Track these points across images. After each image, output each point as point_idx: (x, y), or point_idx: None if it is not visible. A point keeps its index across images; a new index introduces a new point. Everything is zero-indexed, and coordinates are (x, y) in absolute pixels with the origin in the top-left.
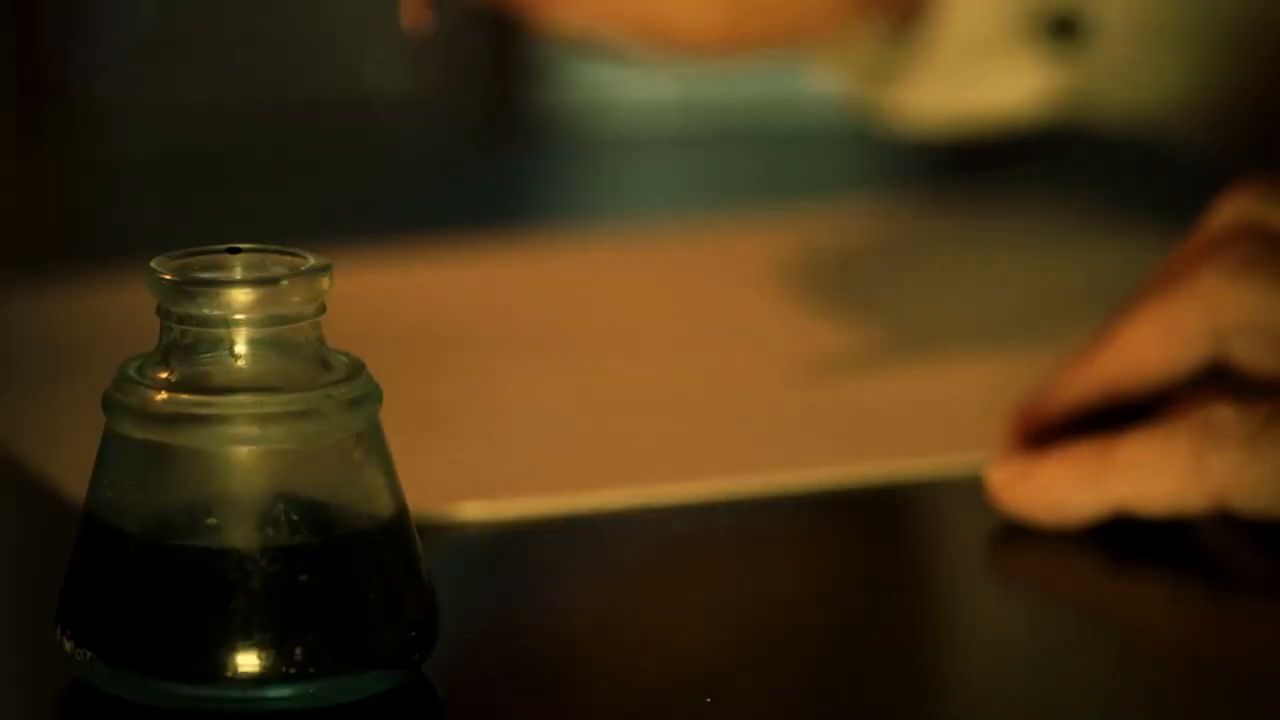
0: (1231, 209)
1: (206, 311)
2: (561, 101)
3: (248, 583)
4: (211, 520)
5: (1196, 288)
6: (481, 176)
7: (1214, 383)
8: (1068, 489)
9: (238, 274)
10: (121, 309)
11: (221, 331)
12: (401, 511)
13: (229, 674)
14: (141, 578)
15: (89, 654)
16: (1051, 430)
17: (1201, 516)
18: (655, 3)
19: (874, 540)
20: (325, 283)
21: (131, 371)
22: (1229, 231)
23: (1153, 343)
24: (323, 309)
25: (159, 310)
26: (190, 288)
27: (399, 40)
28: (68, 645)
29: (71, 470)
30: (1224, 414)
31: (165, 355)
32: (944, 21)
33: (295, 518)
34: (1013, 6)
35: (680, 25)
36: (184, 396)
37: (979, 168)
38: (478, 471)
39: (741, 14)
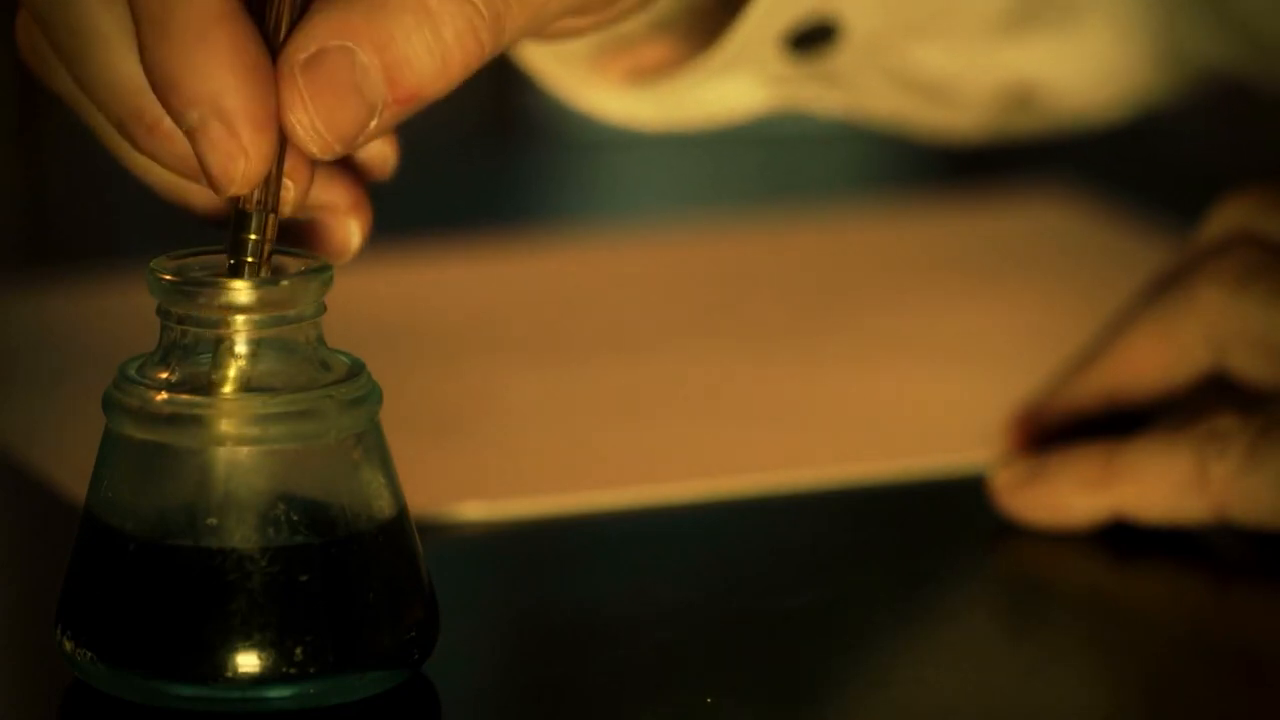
0: (1226, 217)
1: (207, 312)
2: (562, 101)
3: (248, 583)
4: (211, 520)
5: (1194, 298)
6: (481, 176)
7: (1220, 391)
8: (1070, 493)
9: None
10: (121, 309)
11: (222, 331)
12: (402, 511)
13: (229, 674)
14: (141, 578)
15: (89, 654)
16: (1052, 435)
17: (1202, 526)
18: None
19: (874, 540)
20: (325, 283)
21: (132, 371)
22: (1224, 240)
23: (1151, 353)
24: (323, 309)
25: (159, 310)
26: (190, 288)
27: None
28: (67, 645)
29: (71, 470)
30: (1228, 423)
31: (165, 355)
32: (721, 43)
33: (295, 518)
34: (774, 24)
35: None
36: (184, 397)
37: (981, 168)
38: (478, 471)
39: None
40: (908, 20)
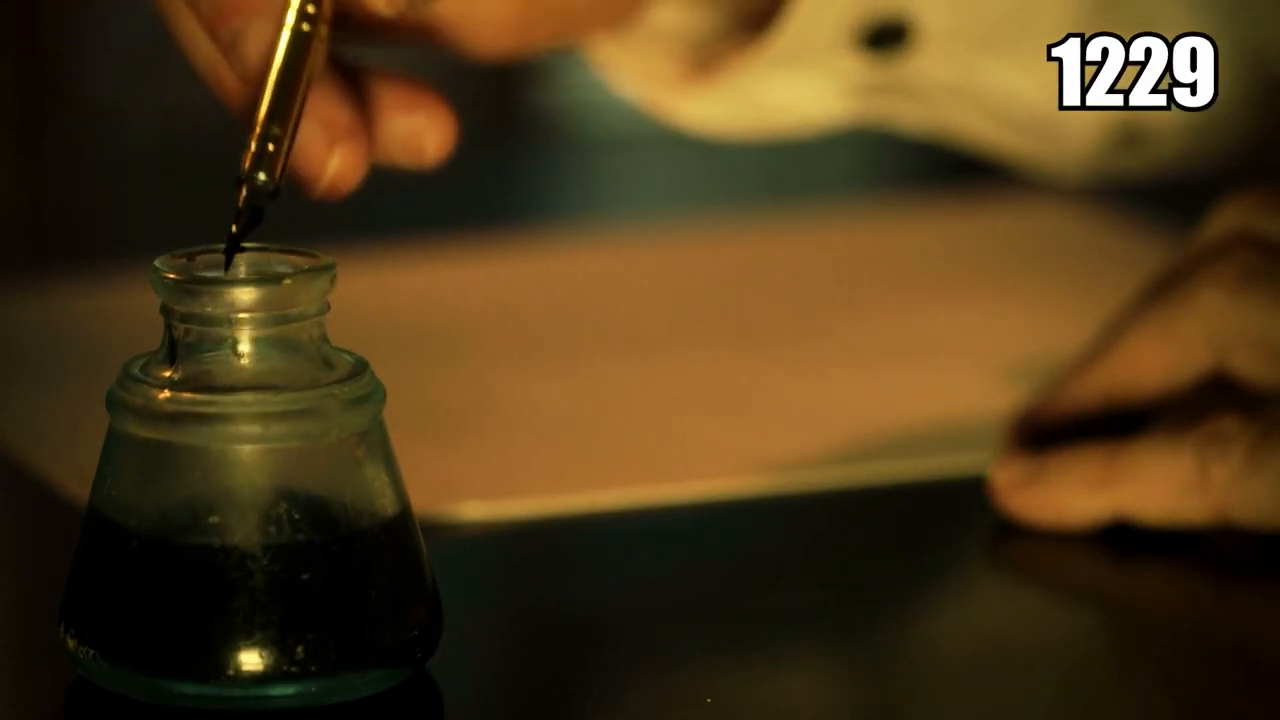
0: (1227, 218)
1: (210, 310)
2: (561, 101)
3: (250, 581)
4: (214, 518)
5: (1195, 300)
6: (481, 176)
7: (1222, 393)
8: (1071, 493)
9: (241, 273)
10: (123, 309)
11: (225, 330)
12: (404, 510)
13: (231, 672)
14: (144, 576)
15: (92, 652)
16: (1052, 435)
17: (1203, 527)
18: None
19: (874, 540)
20: (329, 282)
21: (135, 370)
22: (1225, 241)
23: (1152, 354)
24: (326, 308)
25: (162, 309)
26: (194, 286)
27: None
28: (71, 643)
29: (74, 470)
30: (1230, 425)
31: (169, 354)
32: (777, 27)
33: (298, 516)
34: (838, 15)
35: (469, 26)
36: (187, 395)
37: (981, 168)
38: (478, 471)
39: (534, 11)
40: (981, 21)
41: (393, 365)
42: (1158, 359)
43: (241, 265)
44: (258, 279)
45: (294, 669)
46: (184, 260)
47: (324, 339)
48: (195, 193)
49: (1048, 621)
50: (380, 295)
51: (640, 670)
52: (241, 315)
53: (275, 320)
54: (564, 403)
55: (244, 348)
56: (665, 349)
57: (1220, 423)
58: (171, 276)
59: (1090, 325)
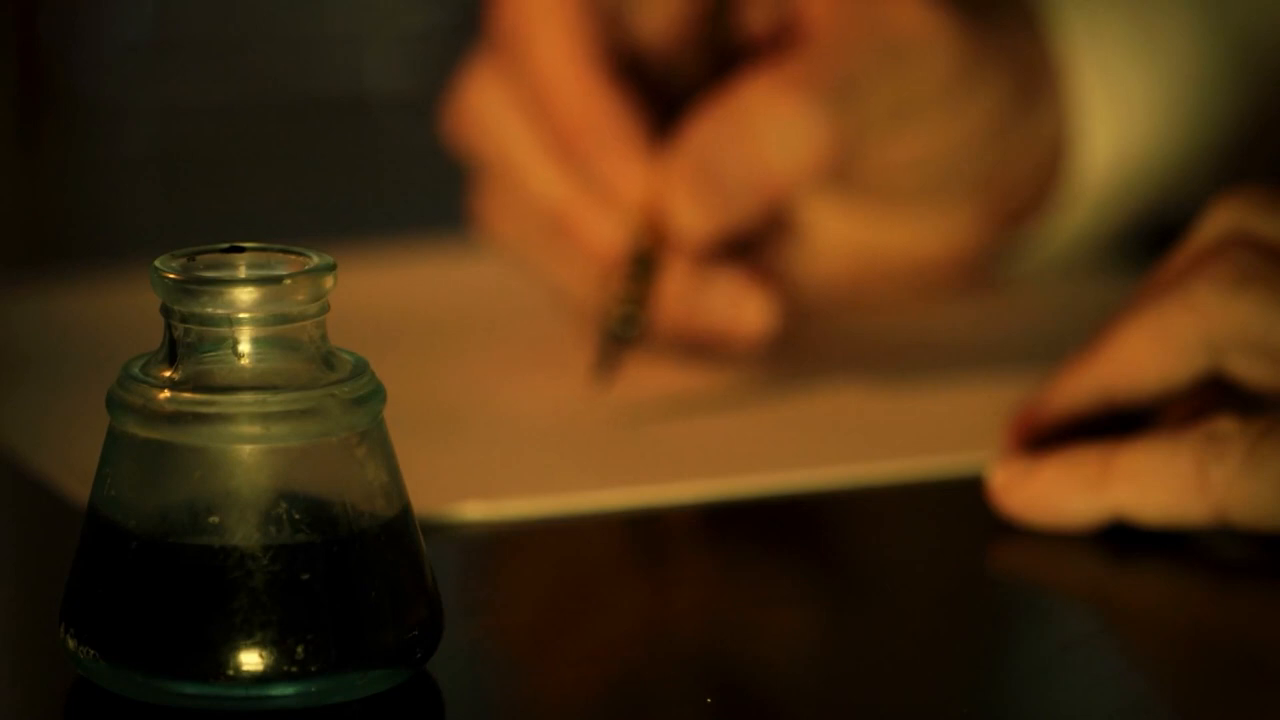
0: (1221, 218)
1: (210, 310)
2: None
3: (250, 581)
4: (214, 518)
5: (1191, 300)
6: None
7: (1220, 393)
8: (1068, 493)
9: (241, 273)
10: (123, 309)
11: (225, 330)
12: (405, 510)
13: (231, 672)
14: (144, 576)
15: (92, 652)
16: (1048, 435)
17: (1201, 528)
18: (786, 262)
19: (874, 540)
20: (329, 281)
21: (135, 370)
22: (1221, 241)
23: (1148, 354)
24: (326, 307)
25: (163, 309)
26: (194, 286)
27: (398, 40)
28: (71, 643)
29: (74, 469)
30: (1228, 426)
31: (169, 354)
32: (1049, 231)
33: (298, 516)
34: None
35: (806, 284)
36: (187, 395)
37: None
38: (478, 471)
39: (868, 273)
40: None
41: (393, 365)
42: (1154, 359)
43: (241, 265)
44: (258, 279)
45: (294, 669)
46: (184, 260)
47: (324, 339)
48: (195, 193)
49: (1047, 621)
50: (380, 295)
51: (639, 670)
52: (241, 315)
53: (275, 320)
54: (564, 402)
55: (244, 348)
56: (663, 348)
57: (1218, 423)
58: (171, 276)
59: (1089, 325)
